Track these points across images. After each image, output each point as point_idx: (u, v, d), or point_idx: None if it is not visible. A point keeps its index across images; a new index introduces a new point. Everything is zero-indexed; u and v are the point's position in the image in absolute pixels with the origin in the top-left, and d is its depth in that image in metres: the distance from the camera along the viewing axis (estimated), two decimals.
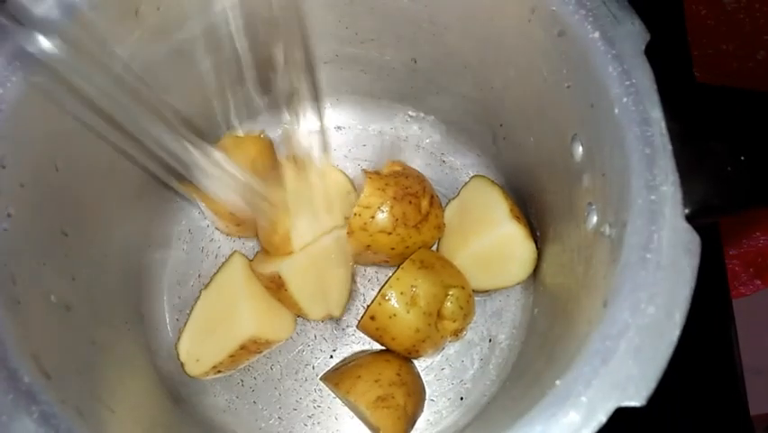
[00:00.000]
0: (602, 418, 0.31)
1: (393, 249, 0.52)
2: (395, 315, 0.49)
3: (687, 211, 0.34)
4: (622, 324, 0.33)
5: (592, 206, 0.41)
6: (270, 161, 0.54)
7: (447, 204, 0.57)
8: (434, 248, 0.57)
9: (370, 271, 0.58)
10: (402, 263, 0.51)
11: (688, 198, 0.34)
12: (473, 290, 0.53)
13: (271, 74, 0.50)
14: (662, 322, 0.33)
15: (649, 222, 0.34)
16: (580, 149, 0.42)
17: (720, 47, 0.86)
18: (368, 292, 0.57)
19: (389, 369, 0.50)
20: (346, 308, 0.55)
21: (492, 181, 0.55)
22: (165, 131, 0.40)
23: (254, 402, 0.54)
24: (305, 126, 0.55)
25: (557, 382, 0.33)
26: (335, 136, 0.61)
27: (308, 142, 0.54)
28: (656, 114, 0.36)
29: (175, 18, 0.46)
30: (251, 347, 0.51)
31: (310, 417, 0.54)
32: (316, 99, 0.58)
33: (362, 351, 0.55)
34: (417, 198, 0.53)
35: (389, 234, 0.51)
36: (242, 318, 0.51)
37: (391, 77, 0.58)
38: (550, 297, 0.50)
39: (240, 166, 0.51)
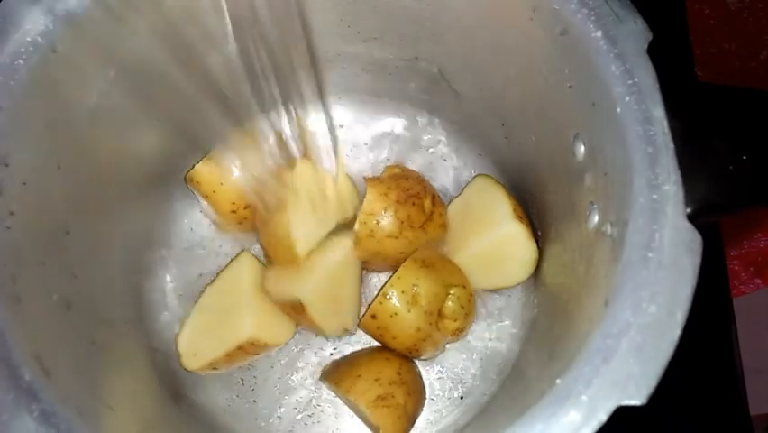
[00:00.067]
0: (603, 417, 0.31)
1: (402, 253, 0.52)
2: (396, 314, 0.49)
3: (689, 210, 0.34)
4: (623, 323, 0.33)
5: (594, 205, 0.41)
6: (277, 159, 0.54)
7: (450, 202, 0.57)
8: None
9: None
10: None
11: (690, 197, 0.34)
12: (474, 290, 0.53)
13: (276, 72, 0.50)
14: (663, 321, 0.33)
15: (651, 221, 0.34)
16: (582, 148, 0.42)
17: (723, 46, 0.86)
18: (369, 291, 0.57)
19: (389, 368, 0.50)
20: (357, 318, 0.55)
21: (496, 181, 0.55)
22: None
23: (254, 401, 0.54)
24: (311, 126, 0.55)
25: (558, 381, 0.33)
26: (336, 136, 0.61)
27: (315, 142, 0.54)
28: (658, 113, 0.36)
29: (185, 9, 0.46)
30: (249, 349, 0.51)
31: (310, 416, 0.54)
32: (321, 98, 0.58)
33: (363, 349, 0.55)
34: (420, 198, 0.53)
35: (397, 238, 0.51)
36: (243, 320, 0.51)
37: (393, 76, 0.58)
38: (551, 296, 0.50)
39: (248, 162, 0.51)
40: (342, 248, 0.52)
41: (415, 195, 0.52)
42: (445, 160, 0.60)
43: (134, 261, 0.55)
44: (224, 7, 0.46)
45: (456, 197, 0.57)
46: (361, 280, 0.56)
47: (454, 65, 0.53)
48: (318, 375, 0.55)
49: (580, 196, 0.43)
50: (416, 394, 0.51)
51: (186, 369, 0.52)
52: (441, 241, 0.55)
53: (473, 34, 0.48)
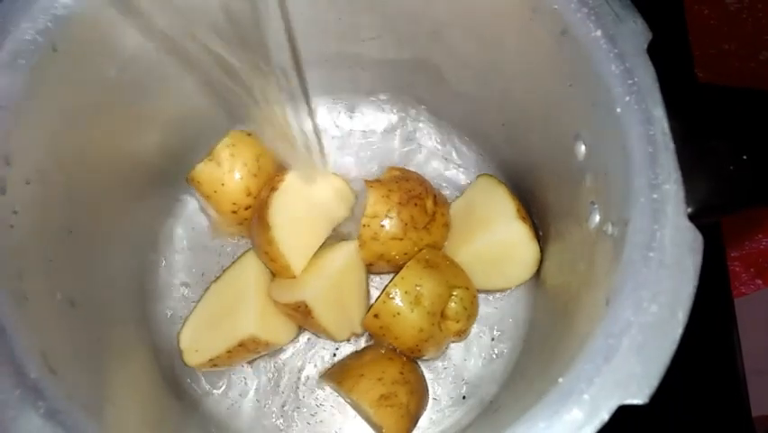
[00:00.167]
0: (605, 415, 0.31)
1: (406, 254, 0.52)
2: (399, 313, 0.49)
3: (689, 210, 0.34)
4: (624, 322, 0.33)
5: (595, 204, 0.41)
6: (276, 158, 0.54)
7: (452, 202, 0.57)
8: None
9: None
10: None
11: (690, 196, 0.35)
12: (477, 290, 0.53)
13: (265, 72, 0.50)
14: (664, 320, 0.33)
15: (651, 220, 0.34)
16: (583, 148, 0.42)
17: (722, 47, 0.87)
18: (372, 291, 0.57)
19: (392, 367, 0.50)
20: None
21: (499, 181, 0.55)
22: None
23: (257, 400, 0.54)
24: (303, 126, 0.55)
25: (560, 380, 0.33)
26: (337, 136, 0.61)
27: (306, 143, 0.54)
28: (658, 112, 0.36)
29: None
30: (250, 346, 0.51)
31: (313, 415, 0.54)
32: (309, 98, 0.57)
33: (365, 348, 0.55)
34: (422, 199, 0.53)
35: (401, 239, 0.51)
36: (245, 316, 0.51)
37: (393, 76, 0.58)
38: (552, 295, 0.50)
39: (246, 161, 0.51)
40: (347, 252, 0.52)
41: (416, 196, 0.53)
42: (446, 160, 0.61)
43: (137, 259, 0.55)
44: (224, 7, 0.47)
45: (459, 196, 0.57)
46: (367, 283, 0.56)
47: (454, 65, 0.53)
48: (321, 374, 0.55)
49: (580, 195, 0.43)
50: (418, 394, 0.51)
51: (187, 365, 0.52)
52: (444, 241, 0.55)
53: (473, 34, 0.49)
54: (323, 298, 0.50)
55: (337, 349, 0.56)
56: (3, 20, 0.39)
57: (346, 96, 0.61)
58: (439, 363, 0.55)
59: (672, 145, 0.35)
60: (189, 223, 0.59)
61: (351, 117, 0.62)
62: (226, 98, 0.49)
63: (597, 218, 0.41)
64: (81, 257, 0.45)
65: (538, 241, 0.52)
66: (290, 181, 0.52)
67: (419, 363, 0.54)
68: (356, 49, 0.55)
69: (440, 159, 0.61)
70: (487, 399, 0.54)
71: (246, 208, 0.53)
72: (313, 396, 0.55)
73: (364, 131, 0.61)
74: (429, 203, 0.53)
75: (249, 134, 0.54)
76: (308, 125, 0.55)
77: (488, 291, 0.56)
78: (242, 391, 0.55)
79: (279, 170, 0.54)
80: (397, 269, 0.52)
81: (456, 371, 0.55)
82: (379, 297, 0.51)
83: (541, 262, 0.52)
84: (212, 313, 0.53)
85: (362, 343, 0.55)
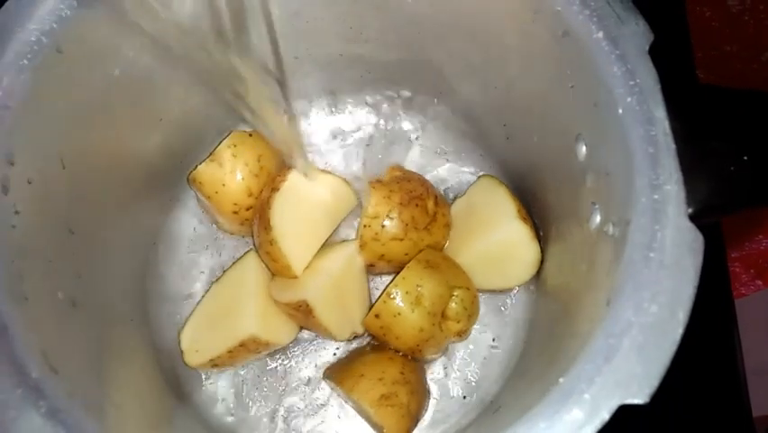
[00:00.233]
0: (605, 415, 0.32)
1: (407, 255, 0.52)
2: (399, 314, 0.49)
3: (690, 210, 0.34)
4: (625, 322, 0.33)
5: (596, 205, 0.41)
6: (277, 158, 0.55)
7: (453, 203, 0.57)
8: None
9: None
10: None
11: (691, 197, 0.35)
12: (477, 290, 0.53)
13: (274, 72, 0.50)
14: (665, 320, 0.33)
15: (652, 221, 0.34)
16: (584, 148, 0.42)
17: (724, 48, 0.87)
18: (373, 291, 0.57)
19: (393, 367, 0.50)
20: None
21: (500, 181, 0.55)
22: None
23: (258, 400, 0.54)
24: (302, 127, 0.55)
25: (560, 380, 0.33)
26: (337, 136, 0.61)
27: (305, 143, 0.54)
28: (660, 113, 0.36)
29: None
30: (251, 346, 0.51)
31: (313, 415, 0.54)
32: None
33: (366, 348, 0.55)
34: (423, 199, 0.53)
35: (402, 240, 0.52)
36: (246, 316, 0.51)
37: (395, 76, 0.58)
38: (553, 295, 0.50)
39: (247, 161, 0.51)
40: (348, 252, 0.52)
41: (417, 196, 0.53)
42: (447, 160, 0.61)
43: (138, 260, 0.55)
44: (224, 8, 0.47)
45: (460, 197, 0.57)
46: (368, 283, 0.56)
47: (456, 66, 0.53)
48: (321, 374, 0.55)
49: (581, 196, 0.43)
50: (419, 394, 0.51)
51: (188, 365, 0.52)
52: (445, 242, 0.55)
53: (475, 35, 0.49)
54: (324, 297, 0.50)
55: (338, 349, 0.56)
56: (8, 21, 0.39)
57: (349, 97, 0.61)
58: (440, 364, 0.55)
59: (673, 146, 0.35)
60: (190, 223, 0.59)
61: (352, 117, 0.62)
62: (226, 98, 0.49)
63: (597, 219, 0.41)
64: (82, 257, 0.45)
65: (539, 241, 0.52)
66: (292, 182, 0.52)
67: (420, 363, 0.54)
68: (358, 49, 0.55)
69: (441, 159, 0.61)
70: (487, 399, 0.54)
71: (247, 209, 0.53)
72: (313, 396, 0.55)
73: (365, 131, 0.61)
74: (430, 204, 0.53)
75: (250, 135, 0.54)
76: (308, 126, 0.55)
77: (488, 292, 0.56)
78: (242, 391, 0.55)
79: (281, 170, 0.54)
80: (397, 269, 0.52)
81: (457, 370, 0.55)
82: (379, 297, 0.51)
83: (541, 262, 0.52)
84: (213, 313, 0.53)
85: (363, 343, 0.55)
